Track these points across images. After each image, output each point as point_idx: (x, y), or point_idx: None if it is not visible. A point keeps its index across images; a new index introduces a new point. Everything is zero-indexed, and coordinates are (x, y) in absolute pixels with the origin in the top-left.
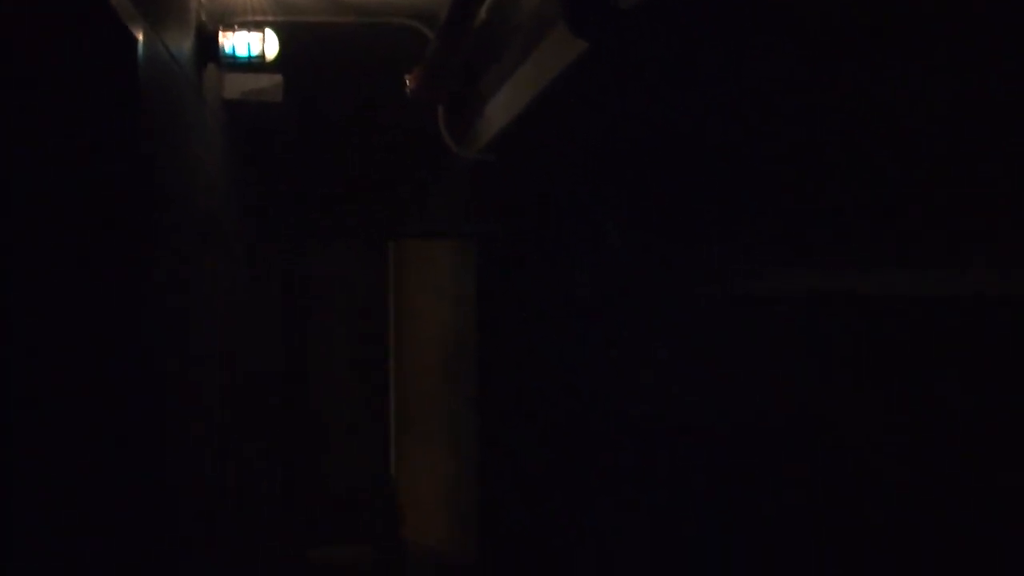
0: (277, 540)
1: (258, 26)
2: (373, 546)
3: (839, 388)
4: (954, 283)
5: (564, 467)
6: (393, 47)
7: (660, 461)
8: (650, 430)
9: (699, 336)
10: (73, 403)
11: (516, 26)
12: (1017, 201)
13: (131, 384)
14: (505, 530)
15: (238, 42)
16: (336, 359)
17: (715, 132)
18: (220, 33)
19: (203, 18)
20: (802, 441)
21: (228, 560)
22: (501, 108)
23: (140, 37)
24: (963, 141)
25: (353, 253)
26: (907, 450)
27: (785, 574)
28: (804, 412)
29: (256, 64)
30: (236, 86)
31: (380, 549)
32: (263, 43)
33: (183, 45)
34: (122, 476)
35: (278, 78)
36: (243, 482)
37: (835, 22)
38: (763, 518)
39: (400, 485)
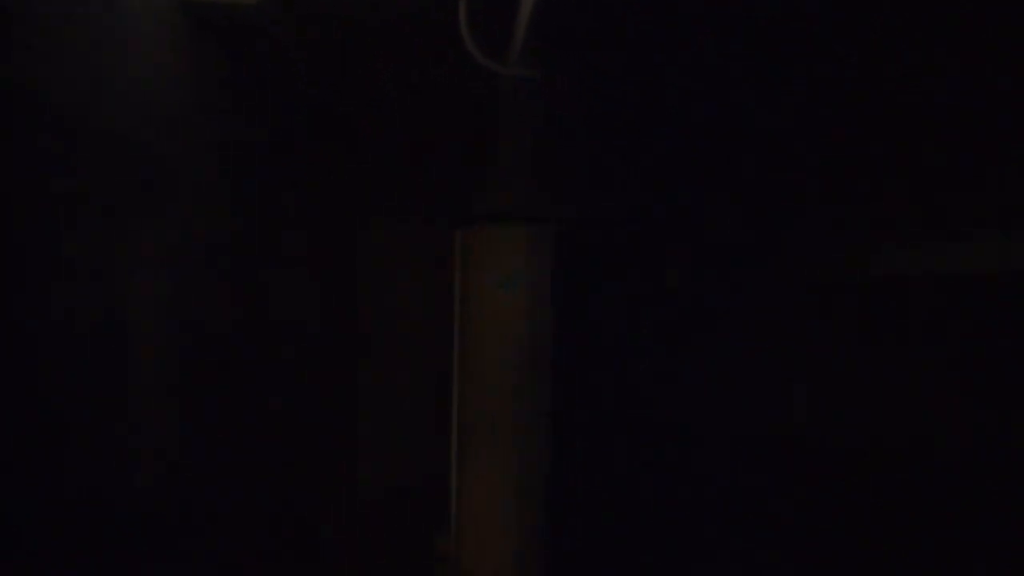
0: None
1: None
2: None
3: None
4: None
5: (655, 493)
6: None
7: (775, 490)
8: (761, 451)
9: (823, 334)
10: None
11: None
12: None
13: None
14: (580, 564)
15: None
16: (389, 355)
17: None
18: None
19: None
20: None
21: None
22: None
23: None
24: None
25: (408, 233)
26: None
27: None
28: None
29: None
30: None
31: None
32: None
33: None
34: None
35: None
36: (242, 495)
37: None
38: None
39: (461, 506)
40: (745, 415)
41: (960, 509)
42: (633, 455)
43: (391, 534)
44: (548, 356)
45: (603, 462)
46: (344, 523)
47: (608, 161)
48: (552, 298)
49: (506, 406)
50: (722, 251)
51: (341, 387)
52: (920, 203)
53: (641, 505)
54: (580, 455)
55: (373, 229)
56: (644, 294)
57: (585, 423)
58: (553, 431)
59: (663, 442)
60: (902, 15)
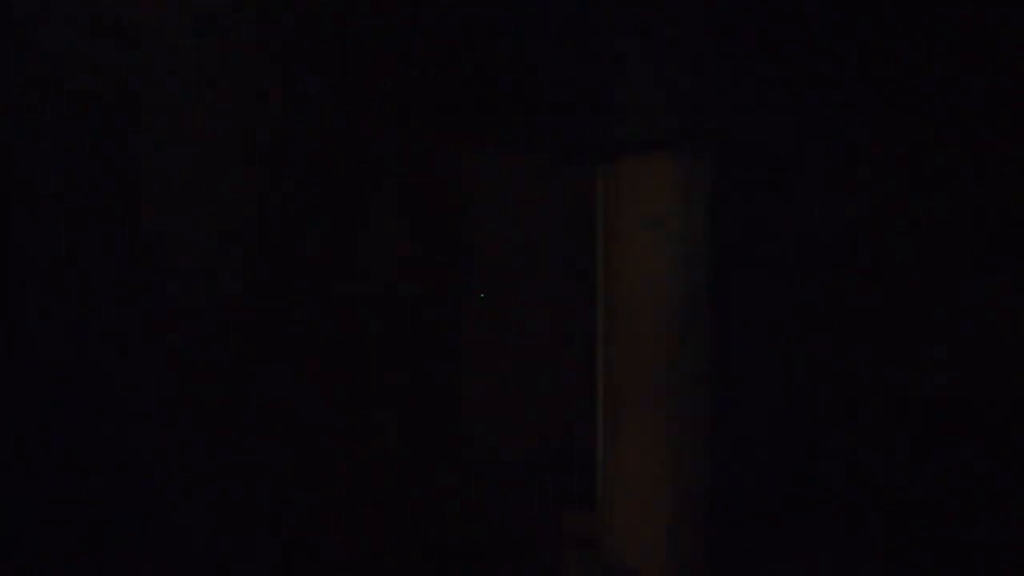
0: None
1: None
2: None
3: None
4: None
5: (832, 471)
6: None
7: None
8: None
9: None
10: None
11: None
12: None
13: None
14: (744, 548)
15: None
16: (515, 313)
17: None
18: None
19: None
20: None
21: None
22: None
23: None
24: None
25: (531, 169)
26: None
27: None
28: None
29: None
30: None
31: (584, 564)
32: None
33: None
34: None
35: None
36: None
37: None
38: None
39: (609, 482)
40: (941, 371)
41: None
42: (805, 427)
43: (513, 512)
44: (707, 307)
45: (770, 434)
46: (454, 497)
47: (772, 68)
48: (711, 239)
49: (661, 367)
50: (910, 174)
51: (437, 348)
52: None
53: (816, 484)
54: (745, 425)
55: (483, 164)
56: (821, 231)
57: (750, 388)
58: (714, 396)
59: (843, 410)
60: None
